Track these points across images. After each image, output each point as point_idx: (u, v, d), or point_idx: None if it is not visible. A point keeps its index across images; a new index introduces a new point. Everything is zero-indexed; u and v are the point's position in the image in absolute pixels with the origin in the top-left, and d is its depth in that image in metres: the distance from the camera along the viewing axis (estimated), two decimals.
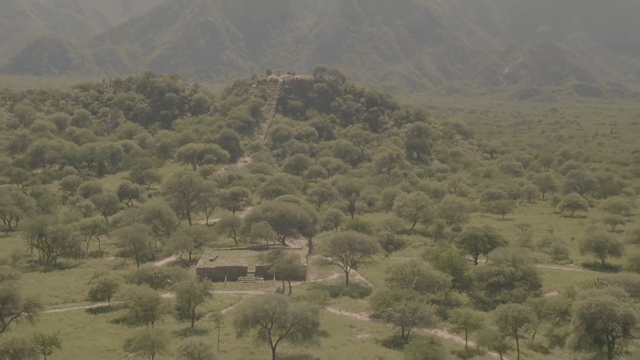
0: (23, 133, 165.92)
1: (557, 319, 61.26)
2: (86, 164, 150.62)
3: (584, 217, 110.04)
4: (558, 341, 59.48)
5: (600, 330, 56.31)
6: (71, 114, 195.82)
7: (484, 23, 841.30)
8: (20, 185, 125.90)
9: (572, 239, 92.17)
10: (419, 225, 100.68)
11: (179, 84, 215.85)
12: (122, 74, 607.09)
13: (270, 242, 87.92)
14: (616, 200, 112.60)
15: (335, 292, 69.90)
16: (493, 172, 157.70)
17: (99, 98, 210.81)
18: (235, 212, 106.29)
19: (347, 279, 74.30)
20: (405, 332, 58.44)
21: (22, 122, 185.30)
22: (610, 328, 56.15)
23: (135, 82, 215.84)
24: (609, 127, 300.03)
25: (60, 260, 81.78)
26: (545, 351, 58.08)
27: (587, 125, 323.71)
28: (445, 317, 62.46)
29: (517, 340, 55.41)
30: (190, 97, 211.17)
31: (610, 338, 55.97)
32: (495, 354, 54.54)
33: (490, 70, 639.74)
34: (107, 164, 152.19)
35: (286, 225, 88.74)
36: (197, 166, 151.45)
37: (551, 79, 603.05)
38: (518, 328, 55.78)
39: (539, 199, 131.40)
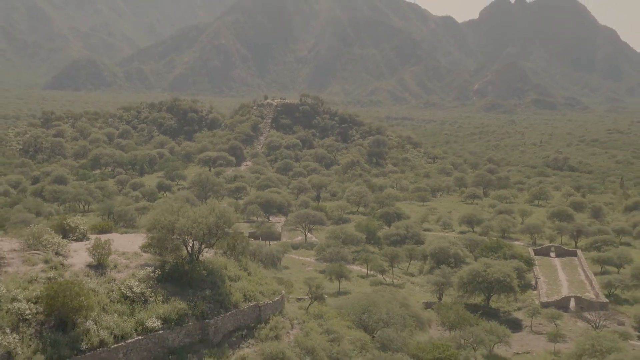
0: (83, 144, 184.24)
1: (424, 259, 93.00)
2: (131, 166, 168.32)
3: (477, 204, 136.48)
4: (422, 271, 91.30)
5: (442, 262, 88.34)
6: (117, 129, 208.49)
7: (460, 45, 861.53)
8: (85, 182, 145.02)
9: (460, 217, 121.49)
10: (361, 209, 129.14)
11: (198, 106, 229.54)
12: (148, 89, 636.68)
13: (259, 219, 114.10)
14: (501, 192, 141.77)
15: (297, 247, 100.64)
16: (431, 173, 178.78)
17: (138, 117, 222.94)
18: (237, 200, 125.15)
19: (305, 239, 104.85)
20: None
21: (81, 135, 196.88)
22: (448, 262, 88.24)
23: (165, 105, 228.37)
24: (546, 137, 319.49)
25: (122, 230, 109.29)
26: (412, 275, 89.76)
27: (532, 136, 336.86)
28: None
29: (392, 268, 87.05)
30: (207, 117, 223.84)
31: (449, 268, 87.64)
32: (380, 276, 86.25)
33: (462, 87, 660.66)
34: (146, 166, 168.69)
35: (270, 207, 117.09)
36: (212, 168, 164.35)
37: (514, 93, 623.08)
38: (393, 261, 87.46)
39: (455, 192, 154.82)
